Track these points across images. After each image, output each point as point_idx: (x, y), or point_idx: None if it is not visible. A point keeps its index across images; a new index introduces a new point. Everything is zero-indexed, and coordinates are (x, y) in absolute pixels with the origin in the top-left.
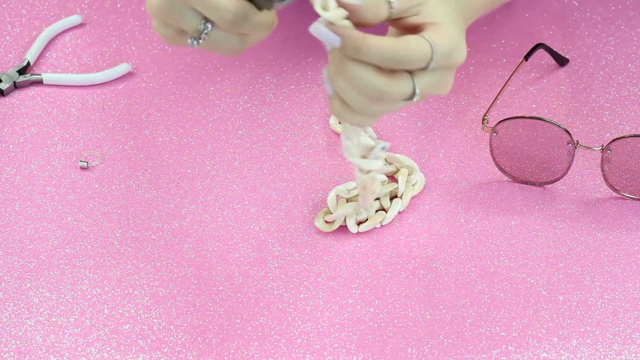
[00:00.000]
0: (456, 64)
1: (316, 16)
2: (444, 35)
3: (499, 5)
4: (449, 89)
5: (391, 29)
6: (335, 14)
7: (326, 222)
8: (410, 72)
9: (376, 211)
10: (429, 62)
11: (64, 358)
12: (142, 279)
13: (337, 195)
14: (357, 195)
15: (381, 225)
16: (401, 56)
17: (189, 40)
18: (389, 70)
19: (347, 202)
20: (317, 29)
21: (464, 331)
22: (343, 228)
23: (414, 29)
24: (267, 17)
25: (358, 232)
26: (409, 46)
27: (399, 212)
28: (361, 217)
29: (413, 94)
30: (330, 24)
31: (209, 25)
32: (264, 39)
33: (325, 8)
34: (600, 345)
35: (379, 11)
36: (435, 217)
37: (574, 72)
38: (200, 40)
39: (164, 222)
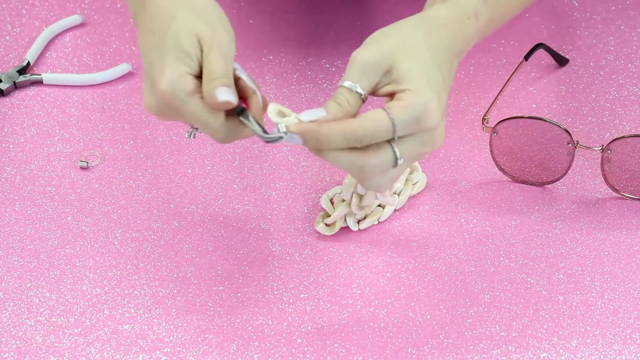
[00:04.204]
0: (429, 128)
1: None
2: (409, 103)
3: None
4: (440, 143)
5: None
6: (290, 119)
7: (326, 225)
8: (390, 140)
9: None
10: (393, 133)
11: (64, 358)
12: (142, 279)
13: (331, 199)
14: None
15: (379, 222)
16: (361, 135)
17: (186, 134)
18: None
19: (342, 201)
20: (275, 137)
21: (464, 331)
22: (342, 228)
23: (391, 96)
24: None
25: (359, 229)
26: (366, 124)
27: (397, 211)
28: (360, 216)
29: (396, 160)
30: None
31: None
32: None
33: (283, 114)
34: (600, 345)
35: (352, 108)
36: (435, 217)
37: (574, 72)
38: (194, 136)
39: (164, 222)
